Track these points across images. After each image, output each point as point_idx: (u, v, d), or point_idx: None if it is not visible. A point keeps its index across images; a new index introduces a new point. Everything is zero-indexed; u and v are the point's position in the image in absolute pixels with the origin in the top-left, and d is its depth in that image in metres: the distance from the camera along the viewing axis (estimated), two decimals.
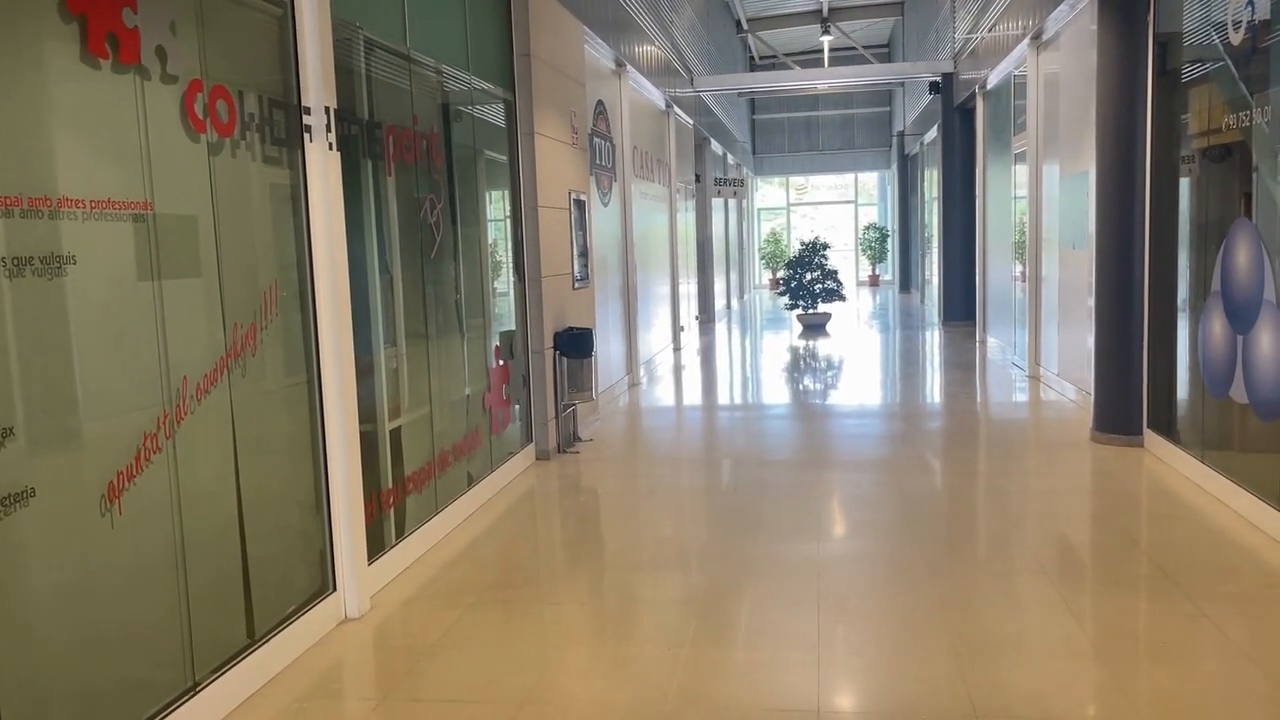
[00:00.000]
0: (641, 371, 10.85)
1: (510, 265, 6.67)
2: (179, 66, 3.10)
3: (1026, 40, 9.44)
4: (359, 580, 4.05)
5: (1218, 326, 5.34)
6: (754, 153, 28.24)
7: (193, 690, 3.08)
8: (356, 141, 4.42)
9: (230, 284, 3.40)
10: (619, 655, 3.65)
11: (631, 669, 3.51)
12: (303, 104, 3.78)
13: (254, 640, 3.45)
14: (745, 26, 22.16)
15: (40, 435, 2.57)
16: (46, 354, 2.59)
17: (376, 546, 4.40)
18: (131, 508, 2.85)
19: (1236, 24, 5.02)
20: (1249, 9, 4.87)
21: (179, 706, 2.99)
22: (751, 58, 25.58)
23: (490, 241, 6.29)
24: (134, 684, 2.90)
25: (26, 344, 2.52)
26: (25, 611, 2.50)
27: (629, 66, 10.08)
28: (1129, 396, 6.65)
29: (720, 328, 17.14)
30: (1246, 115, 4.96)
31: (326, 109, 3.86)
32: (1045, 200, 9.48)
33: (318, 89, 3.83)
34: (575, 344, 7.10)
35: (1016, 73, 10.64)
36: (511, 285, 6.69)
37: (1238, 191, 5.20)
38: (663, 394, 10.00)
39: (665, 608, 4.09)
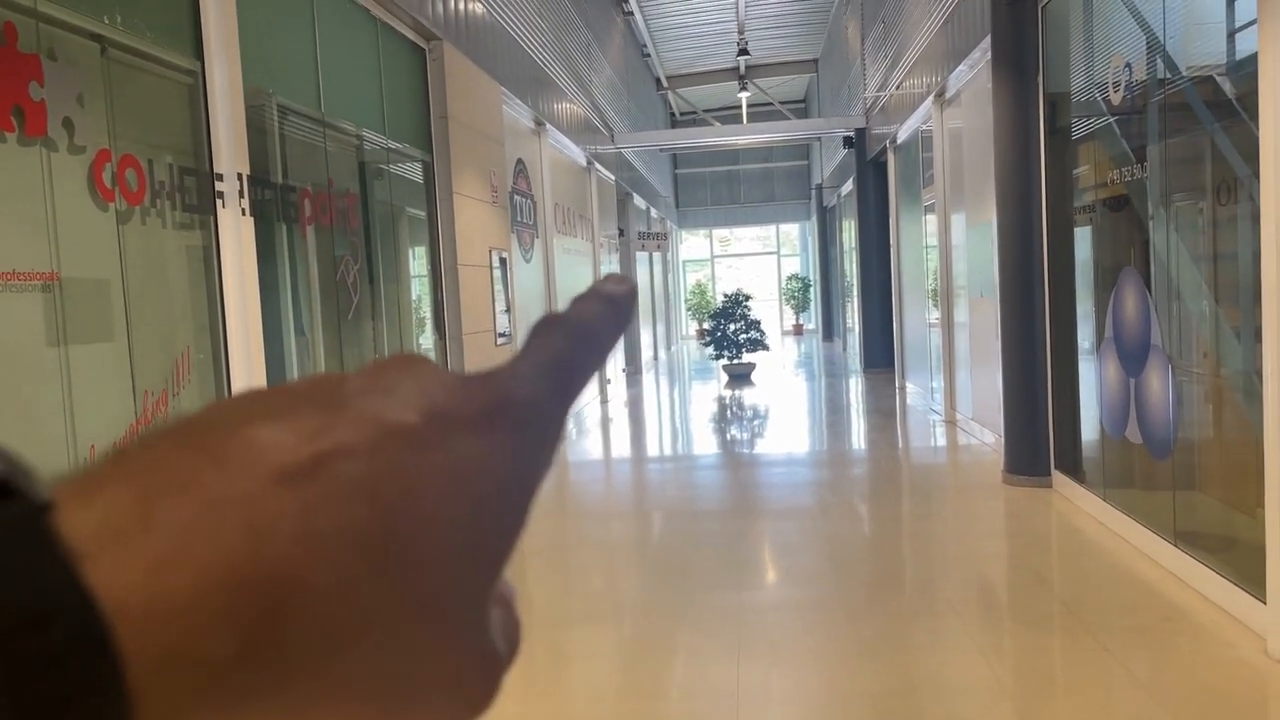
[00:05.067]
0: (569, 425, 10.87)
1: (433, 322, 6.70)
2: (86, 137, 3.11)
3: (931, 97, 9.84)
4: None
5: (1112, 370, 5.59)
6: (677, 206, 28.68)
7: None
8: (271, 205, 4.44)
9: (141, 351, 3.38)
10: (543, 712, 3.65)
11: None
12: (215, 170, 3.81)
13: None
14: (665, 84, 22.64)
15: None
16: None
17: None
18: None
19: (1116, 84, 5.33)
20: (1127, 71, 5.18)
21: None
22: (672, 114, 26.10)
23: (414, 299, 6.32)
24: None
25: None
26: None
27: (548, 125, 10.24)
28: (1036, 439, 6.88)
29: (648, 378, 17.27)
30: (1130, 170, 5.25)
31: (239, 175, 3.90)
32: (954, 249, 9.83)
33: (230, 155, 3.86)
34: None
35: (923, 128, 11.06)
36: (433, 342, 6.71)
37: (1125, 242, 5.49)
38: (591, 447, 10.04)
39: (590, 662, 4.11)
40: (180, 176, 3.64)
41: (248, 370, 3.93)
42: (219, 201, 3.82)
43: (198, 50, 3.77)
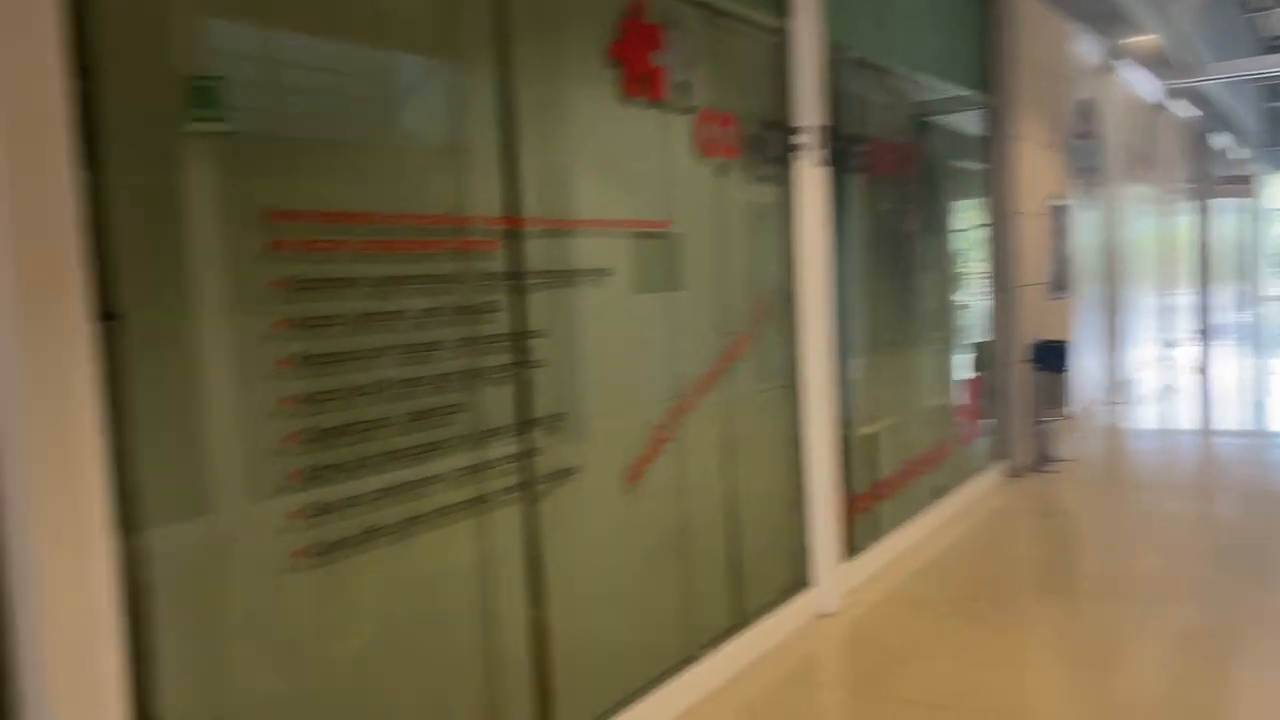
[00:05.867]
0: (1125, 390, 9.99)
1: (983, 274, 6.51)
2: (693, 98, 3.46)
3: None
4: (834, 578, 4.21)
5: None
6: (1267, 145, 24.69)
7: (690, 661, 3.41)
8: (839, 156, 4.59)
9: (727, 294, 3.71)
10: (1101, 684, 3.44)
11: (1117, 700, 3.30)
12: (795, 124, 4.03)
13: (740, 623, 3.73)
14: (1254, 4, 19.49)
15: (581, 422, 3.01)
16: (588, 353, 3.04)
17: (849, 548, 4.54)
18: (647, 488, 3.24)
19: None
20: None
21: (680, 674, 3.33)
22: (1263, 39, 22.43)
23: (963, 250, 6.20)
24: (645, 646, 3.28)
25: (576, 343, 2.98)
26: (568, 571, 2.94)
27: (1117, 60, 9.35)
28: None
29: (1221, 344, 15.23)
30: None
31: (817, 127, 4.08)
32: None
33: (809, 109, 4.05)
34: (1051, 357, 6.74)
35: None
36: (984, 294, 6.53)
37: None
38: (1149, 415, 9.14)
39: (1148, 642, 3.78)
40: (764, 130, 3.90)
41: (816, 315, 4.13)
42: (797, 154, 4.04)
43: (783, 8, 3.99)
